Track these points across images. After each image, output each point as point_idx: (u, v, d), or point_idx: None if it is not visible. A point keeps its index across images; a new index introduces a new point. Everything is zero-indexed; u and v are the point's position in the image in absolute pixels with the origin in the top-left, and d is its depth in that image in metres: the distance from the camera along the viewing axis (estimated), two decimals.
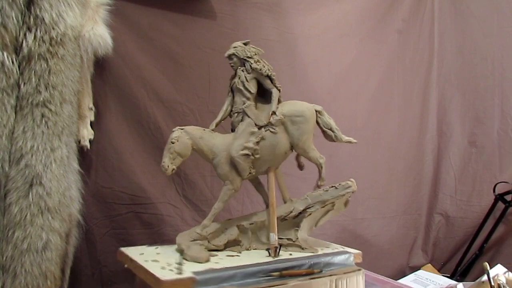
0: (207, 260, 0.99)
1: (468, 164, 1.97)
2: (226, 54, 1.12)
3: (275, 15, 1.76)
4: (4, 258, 0.96)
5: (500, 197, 1.79)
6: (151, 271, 0.90)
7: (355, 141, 1.13)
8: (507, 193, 1.77)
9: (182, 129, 1.07)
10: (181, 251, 1.04)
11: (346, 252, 1.11)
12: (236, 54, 1.10)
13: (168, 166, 1.03)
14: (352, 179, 1.13)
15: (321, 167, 1.14)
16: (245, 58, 1.09)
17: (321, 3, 1.87)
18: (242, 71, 1.10)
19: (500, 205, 1.80)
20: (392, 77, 1.99)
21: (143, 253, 1.05)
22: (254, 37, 1.73)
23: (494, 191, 1.80)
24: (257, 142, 1.07)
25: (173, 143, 1.04)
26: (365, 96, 1.93)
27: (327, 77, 1.86)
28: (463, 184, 1.97)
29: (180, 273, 0.89)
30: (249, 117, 1.09)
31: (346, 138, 1.14)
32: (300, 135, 1.09)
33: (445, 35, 2.05)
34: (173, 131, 1.07)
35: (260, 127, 1.08)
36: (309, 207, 1.12)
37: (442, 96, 2.06)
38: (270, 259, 1.03)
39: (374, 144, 1.92)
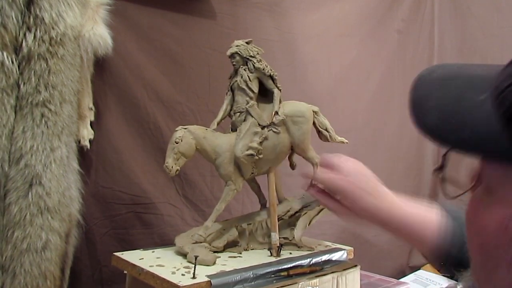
0: (215, 262, 0.98)
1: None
2: (228, 53, 1.10)
3: (275, 15, 1.75)
4: (4, 258, 0.96)
5: None
6: (164, 277, 0.88)
7: (346, 141, 1.15)
8: None
9: (185, 128, 1.04)
10: (184, 254, 1.02)
11: (341, 249, 1.13)
12: (239, 52, 1.08)
13: (172, 167, 1.00)
14: None
15: (316, 167, 1.16)
16: (248, 57, 1.08)
17: (321, 3, 1.87)
18: (245, 70, 1.08)
19: None
20: (392, 77, 1.98)
21: (142, 258, 1.02)
22: (254, 37, 1.71)
23: None
24: (261, 142, 1.06)
25: (177, 143, 1.01)
26: (365, 96, 1.93)
27: (327, 77, 1.86)
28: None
29: (194, 277, 0.88)
30: (252, 117, 1.08)
31: (339, 138, 1.15)
32: (301, 135, 1.09)
33: (445, 35, 2.05)
34: (176, 130, 1.04)
35: (263, 127, 1.08)
36: (306, 206, 1.12)
37: None
38: (273, 259, 1.03)
39: (374, 144, 1.91)
